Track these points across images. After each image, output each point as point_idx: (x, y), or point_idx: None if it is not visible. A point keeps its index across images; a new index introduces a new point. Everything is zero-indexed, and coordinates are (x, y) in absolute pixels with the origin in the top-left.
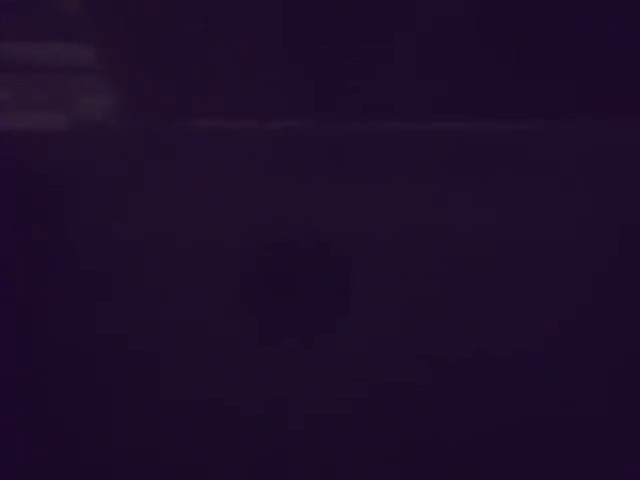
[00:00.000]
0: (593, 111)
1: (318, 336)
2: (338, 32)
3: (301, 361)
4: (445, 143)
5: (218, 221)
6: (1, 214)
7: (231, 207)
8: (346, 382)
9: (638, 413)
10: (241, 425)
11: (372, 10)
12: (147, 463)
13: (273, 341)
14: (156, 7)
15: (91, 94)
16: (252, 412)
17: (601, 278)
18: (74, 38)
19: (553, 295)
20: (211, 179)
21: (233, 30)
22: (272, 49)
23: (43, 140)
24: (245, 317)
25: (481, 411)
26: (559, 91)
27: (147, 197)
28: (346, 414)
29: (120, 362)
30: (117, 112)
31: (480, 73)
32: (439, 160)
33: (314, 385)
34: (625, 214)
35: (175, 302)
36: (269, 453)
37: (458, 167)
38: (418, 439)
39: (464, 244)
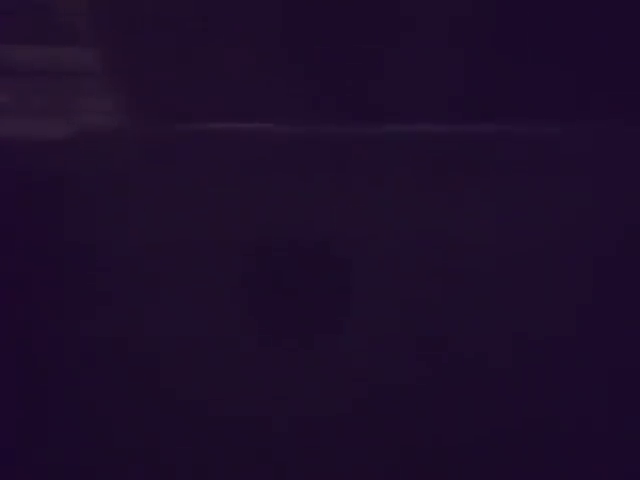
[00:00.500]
0: (594, 112)
1: (319, 336)
2: (338, 32)
3: (301, 361)
4: (446, 144)
5: (220, 223)
6: (1, 217)
7: (233, 209)
8: (346, 382)
9: (638, 414)
10: (241, 425)
11: (372, 11)
12: (147, 463)
13: (274, 341)
14: (157, 9)
15: (92, 97)
16: (252, 412)
17: (604, 279)
18: (75, 42)
19: (554, 295)
20: (213, 182)
21: (234, 31)
22: (273, 50)
23: (43, 144)
24: (246, 317)
25: (482, 411)
26: (559, 92)
27: (149, 201)
28: (346, 414)
29: (119, 365)
30: (119, 116)
31: (480, 73)
32: (440, 161)
33: (314, 385)
34: (626, 215)
35: (178, 304)
36: (269, 453)
37: (459, 168)
38: (418, 439)
39: (465, 244)
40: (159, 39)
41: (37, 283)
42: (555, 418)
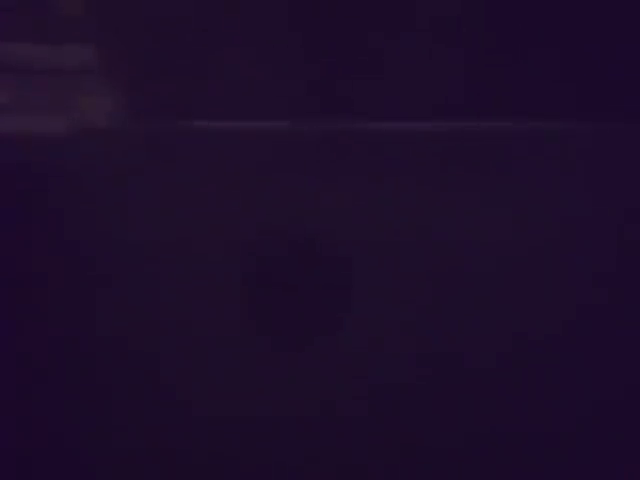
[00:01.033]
0: (594, 111)
1: (319, 336)
2: (338, 31)
3: (301, 361)
4: (446, 142)
5: (219, 221)
6: (1, 216)
7: (232, 207)
8: (346, 382)
9: (638, 415)
10: (241, 425)
11: (372, 10)
12: (147, 463)
13: (274, 340)
14: (156, 7)
15: (92, 95)
16: (252, 412)
17: (604, 279)
18: (75, 40)
19: (554, 295)
20: (212, 180)
21: (234, 30)
22: (273, 49)
23: (43, 142)
24: (246, 316)
25: (482, 411)
26: (559, 91)
27: (148, 198)
28: (346, 414)
29: (120, 362)
30: (118, 113)
31: (480, 72)
32: (440, 159)
33: (314, 385)
34: (625, 213)
35: (178, 301)
36: (269, 453)
37: (459, 166)
38: (418, 440)
39: (465, 244)
40: (158, 37)
41: (36, 279)
42: (555, 419)
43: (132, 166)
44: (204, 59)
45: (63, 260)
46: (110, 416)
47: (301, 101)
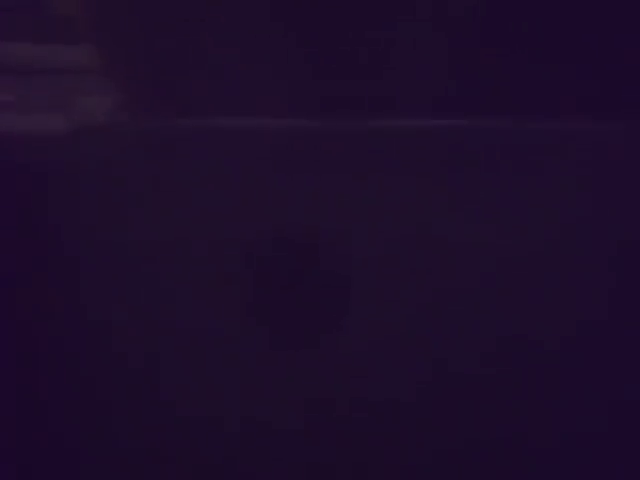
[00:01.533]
0: (593, 110)
1: (320, 335)
2: (338, 29)
3: (301, 360)
4: (446, 141)
5: (219, 220)
6: (1, 215)
7: (232, 206)
8: (346, 382)
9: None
10: (241, 425)
11: (372, 7)
12: (147, 464)
13: (274, 340)
14: (155, 6)
15: (92, 95)
16: (252, 412)
17: (603, 281)
18: (73, 39)
19: (555, 296)
20: (212, 178)
21: (232, 28)
22: (272, 47)
23: (42, 142)
24: (246, 316)
25: (482, 414)
26: (559, 89)
27: (148, 197)
28: (346, 415)
29: (120, 363)
30: (117, 112)
31: (479, 70)
32: (440, 158)
33: (314, 385)
34: (623, 215)
35: (178, 301)
36: (269, 453)
37: (460, 165)
38: (419, 440)
39: (465, 243)
40: (158, 36)
41: (35, 278)
42: (557, 424)
43: (132, 165)
44: (203, 57)
45: (63, 260)
46: (109, 416)
47: (301, 99)
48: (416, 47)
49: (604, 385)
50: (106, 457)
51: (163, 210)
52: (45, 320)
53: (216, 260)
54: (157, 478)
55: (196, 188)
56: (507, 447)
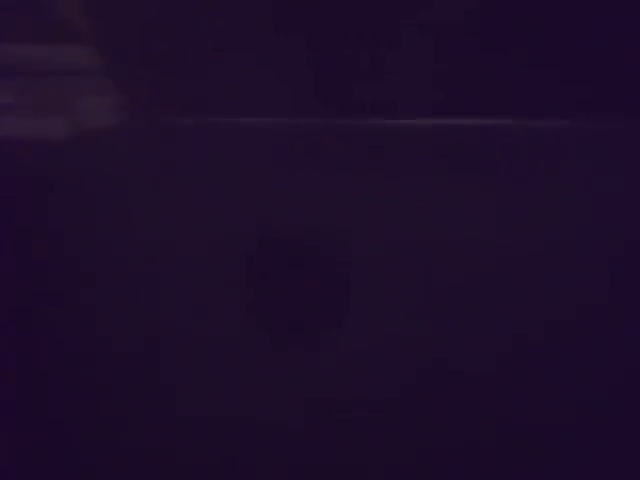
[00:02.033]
0: (593, 109)
1: (320, 334)
2: (340, 29)
3: (301, 360)
4: (446, 140)
5: (220, 219)
6: (2, 216)
7: (233, 204)
8: (345, 382)
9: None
10: (241, 425)
11: (374, 7)
12: (147, 464)
13: (274, 340)
14: (155, 6)
15: (92, 96)
16: (252, 412)
17: (604, 279)
18: (73, 40)
19: (555, 295)
20: (213, 176)
21: (233, 27)
22: (274, 46)
23: (44, 143)
24: (246, 315)
25: (482, 414)
26: (560, 89)
27: (150, 196)
28: (346, 415)
29: (120, 362)
30: (119, 112)
31: (480, 70)
32: (440, 157)
33: (314, 385)
34: (623, 213)
35: (178, 301)
36: (269, 453)
37: (459, 164)
38: (418, 440)
39: (465, 242)
40: (157, 36)
41: (37, 280)
42: (556, 423)
43: (132, 165)
44: (204, 56)
45: (64, 261)
46: (109, 416)
47: (301, 97)
48: (416, 47)
49: (603, 385)
50: (106, 457)
51: (163, 210)
52: (44, 321)
53: (216, 260)
54: (157, 478)
55: (197, 187)
56: (507, 447)
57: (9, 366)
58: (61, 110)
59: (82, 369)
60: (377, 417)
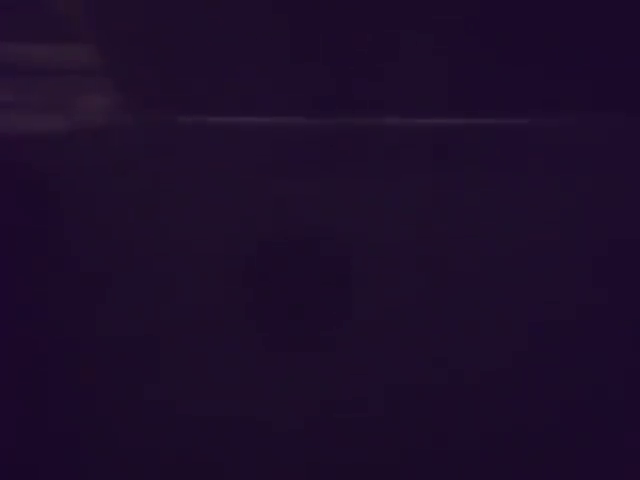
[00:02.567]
0: (594, 106)
1: (320, 334)
2: (340, 28)
3: (302, 360)
4: (446, 139)
5: (220, 218)
6: (1, 215)
7: (233, 204)
8: (346, 382)
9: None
10: (241, 425)
11: (373, 6)
12: (147, 464)
13: (274, 340)
14: (155, 5)
15: (92, 94)
16: (252, 412)
17: (605, 279)
18: (73, 39)
19: (556, 293)
20: (213, 176)
21: (233, 26)
22: (274, 45)
23: (43, 141)
24: (246, 315)
25: (484, 415)
26: (560, 87)
27: (148, 195)
28: (346, 415)
29: (119, 361)
30: (117, 111)
31: (480, 69)
32: (444, 155)
33: (313, 385)
34: (624, 211)
35: (178, 300)
36: (269, 453)
37: (463, 163)
38: (419, 440)
39: (465, 242)
40: (157, 35)
41: (36, 277)
42: (558, 423)
43: (132, 164)
44: (204, 55)
45: (63, 259)
46: (109, 416)
47: (301, 97)
48: (415, 47)
49: (604, 385)
50: (106, 457)
51: (163, 210)
52: (43, 318)
53: (216, 259)
54: (157, 478)
55: (197, 186)
56: (507, 447)
57: (9, 366)
58: (61, 109)
59: (82, 369)
60: (377, 417)
